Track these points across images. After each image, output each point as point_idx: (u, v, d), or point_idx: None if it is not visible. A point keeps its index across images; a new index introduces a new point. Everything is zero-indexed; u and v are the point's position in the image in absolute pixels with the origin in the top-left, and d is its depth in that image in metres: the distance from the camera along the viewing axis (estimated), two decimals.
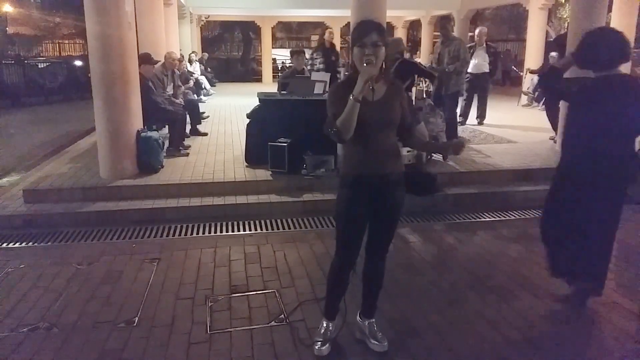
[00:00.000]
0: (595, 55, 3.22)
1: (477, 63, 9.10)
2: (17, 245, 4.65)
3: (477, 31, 9.46)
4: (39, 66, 18.53)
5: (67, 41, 29.57)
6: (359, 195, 2.73)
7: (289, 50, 29.22)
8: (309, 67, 8.95)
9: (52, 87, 17.33)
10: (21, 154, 8.85)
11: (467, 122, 9.42)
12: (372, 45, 2.52)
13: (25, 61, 19.00)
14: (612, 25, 10.58)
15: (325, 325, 3.01)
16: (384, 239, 2.90)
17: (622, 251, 4.70)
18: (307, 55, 9.68)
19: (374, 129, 2.63)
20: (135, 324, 3.27)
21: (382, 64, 2.62)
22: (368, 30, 2.55)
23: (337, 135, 2.55)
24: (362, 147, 2.68)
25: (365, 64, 2.50)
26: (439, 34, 8.58)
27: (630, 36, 10.58)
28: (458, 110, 8.19)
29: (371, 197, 2.74)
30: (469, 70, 8.72)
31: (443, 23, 7.83)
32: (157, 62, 7.76)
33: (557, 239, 3.58)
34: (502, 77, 17.88)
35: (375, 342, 2.97)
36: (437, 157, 6.58)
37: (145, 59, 7.11)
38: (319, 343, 2.94)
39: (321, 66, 8.91)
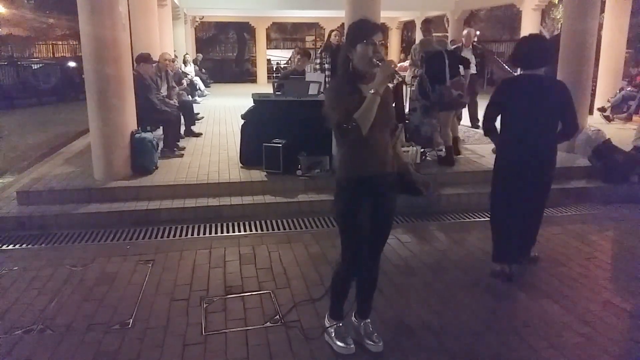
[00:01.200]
0: (519, 57, 3.84)
1: None
2: (10, 247, 4.63)
3: (465, 32, 9.38)
4: (33, 67, 18.44)
5: (60, 42, 29.41)
6: (362, 198, 2.73)
7: (283, 50, 29.23)
8: (317, 67, 8.95)
9: (46, 88, 17.24)
10: (15, 155, 8.81)
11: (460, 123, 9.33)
12: (379, 44, 2.57)
13: (19, 62, 18.90)
14: (605, 25, 10.65)
15: (337, 326, 3.03)
16: (380, 241, 2.92)
17: (617, 251, 4.73)
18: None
19: (375, 129, 2.63)
20: (129, 326, 3.26)
21: None
22: (374, 29, 2.61)
23: (355, 130, 2.53)
24: (364, 148, 2.67)
25: (375, 60, 2.55)
26: (438, 34, 8.60)
27: (623, 36, 10.65)
28: None
29: (373, 198, 2.75)
30: None
31: (426, 25, 7.93)
32: (155, 62, 7.75)
33: (505, 227, 3.99)
34: (490, 78, 17.84)
35: (371, 343, 2.97)
36: (431, 157, 6.61)
37: (144, 59, 7.10)
38: (343, 343, 2.95)
39: (328, 66, 8.93)
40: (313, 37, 30.87)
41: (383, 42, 2.61)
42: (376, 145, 2.68)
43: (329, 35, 9.67)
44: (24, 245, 4.66)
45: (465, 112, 9.38)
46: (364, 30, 2.60)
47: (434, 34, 7.94)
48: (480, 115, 9.21)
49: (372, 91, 2.50)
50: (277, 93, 6.70)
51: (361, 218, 2.75)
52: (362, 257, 2.84)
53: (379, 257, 2.96)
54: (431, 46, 6.56)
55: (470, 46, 9.14)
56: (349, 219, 2.77)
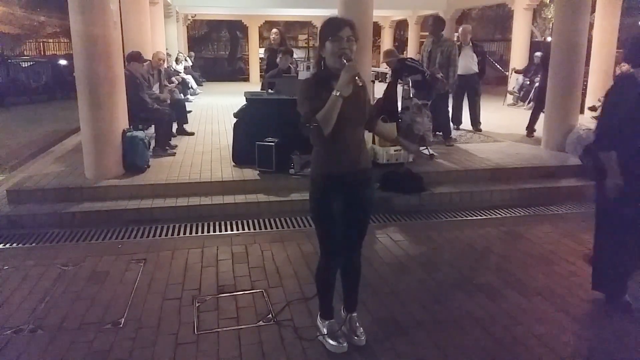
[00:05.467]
0: None
1: (465, 64, 8.51)
2: (0, 246, 4.59)
3: (460, 29, 8.87)
4: (23, 65, 18.28)
5: (51, 40, 29.21)
6: (335, 194, 2.78)
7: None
8: (307, 65, 8.84)
9: (37, 86, 17.10)
10: (5, 154, 8.73)
11: (461, 126, 8.98)
12: (347, 40, 2.57)
13: (9, 60, 18.71)
14: (595, 25, 10.72)
15: (328, 324, 3.03)
16: (359, 235, 2.95)
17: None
18: (296, 55, 9.53)
19: (346, 125, 2.66)
20: (121, 325, 3.25)
21: None
22: (342, 25, 2.61)
23: (317, 130, 2.57)
24: (335, 145, 2.71)
25: (343, 59, 2.55)
26: (426, 33, 8.53)
27: (614, 36, 10.73)
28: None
29: (345, 194, 2.79)
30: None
31: (436, 22, 7.78)
32: (146, 61, 7.71)
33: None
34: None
35: (355, 337, 2.99)
36: (424, 155, 6.63)
37: (135, 57, 7.07)
38: (335, 342, 2.95)
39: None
40: (306, 36, 30.85)
41: (353, 38, 2.60)
42: (347, 143, 2.73)
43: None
44: (14, 245, 4.62)
45: (465, 114, 9.06)
46: (331, 26, 2.61)
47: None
48: (483, 117, 9.12)
49: (336, 93, 2.51)
50: (269, 91, 6.69)
51: (333, 213, 2.79)
52: (338, 251, 2.89)
53: (359, 251, 2.98)
54: (394, 55, 7.42)
55: (470, 44, 8.69)
56: (321, 215, 2.83)
